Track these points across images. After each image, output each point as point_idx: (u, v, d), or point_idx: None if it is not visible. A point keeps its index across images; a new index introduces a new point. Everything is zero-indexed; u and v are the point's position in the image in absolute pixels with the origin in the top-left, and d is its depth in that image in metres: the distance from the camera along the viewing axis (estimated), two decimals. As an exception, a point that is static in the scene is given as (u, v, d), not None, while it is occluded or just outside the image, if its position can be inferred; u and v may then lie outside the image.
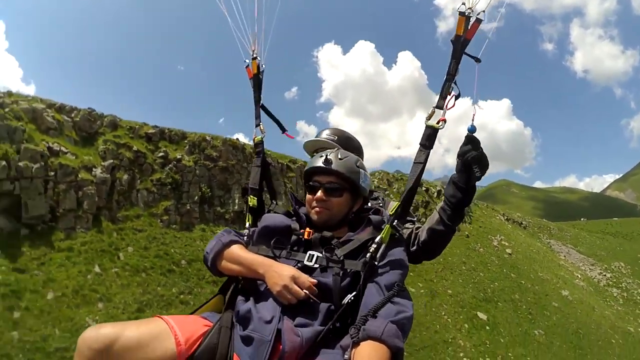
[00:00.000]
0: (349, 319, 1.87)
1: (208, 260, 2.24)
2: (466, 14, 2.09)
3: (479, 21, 2.08)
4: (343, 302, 1.89)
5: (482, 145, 2.01)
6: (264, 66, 2.82)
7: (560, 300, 30.46)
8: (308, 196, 2.30)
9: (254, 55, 2.80)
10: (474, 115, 2.04)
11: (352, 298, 1.89)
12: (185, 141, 22.39)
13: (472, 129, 2.02)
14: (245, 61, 2.83)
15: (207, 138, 22.87)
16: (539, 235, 53.20)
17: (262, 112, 2.80)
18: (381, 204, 2.65)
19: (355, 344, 1.66)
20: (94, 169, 17.56)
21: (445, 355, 18.05)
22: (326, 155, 2.27)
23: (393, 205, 2.29)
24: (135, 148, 19.92)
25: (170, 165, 21.04)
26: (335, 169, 2.22)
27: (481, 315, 23.30)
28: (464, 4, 2.07)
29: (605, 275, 47.68)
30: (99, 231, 16.61)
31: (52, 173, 16.31)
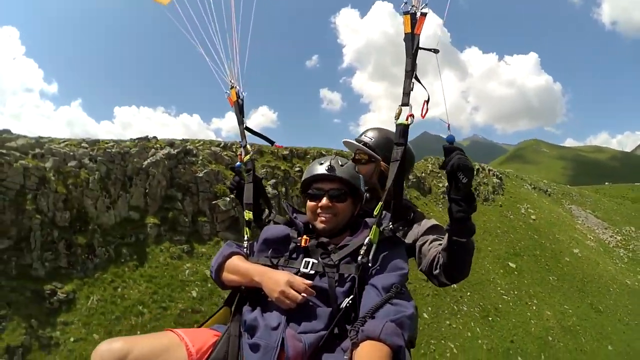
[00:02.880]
0: (350, 322, 1.87)
1: (213, 273, 2.30)
2: (410, 11, 2.14)
3: (424, 14, 2.13)
4: (341, 305, 1.92)
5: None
6: (244, 93, 3.00)
7: (571, 256, 38.72)
8: (310, 204, 2.28)
9: (232, 85, 2.98)
10: (448, 125, 2.02)
11: (350, 301, 1.92)
12: (308, 156, 28.72)
13: (450, 139, 2.00)
14: (226, 92, 3.02)
15: (323, 152, 29.69)
16: (562, 202, 58.37)
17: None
18: (412, 216, 2.38)
19: (355, 344, 1.67)
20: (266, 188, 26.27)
21: (490, 290, 27.34)
22: (329, 162, 2.28)
23: (377, 206, 2.13)
24: (282, 167, 26.53)
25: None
26: (339, 175, 2.23)
27: (511, 264, 32.47)
28: (405, 3, 2.13)
29: (615, 237, 52.66)
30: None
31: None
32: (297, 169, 27.49)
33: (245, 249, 2.39)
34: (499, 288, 28.61)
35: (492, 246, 33.15)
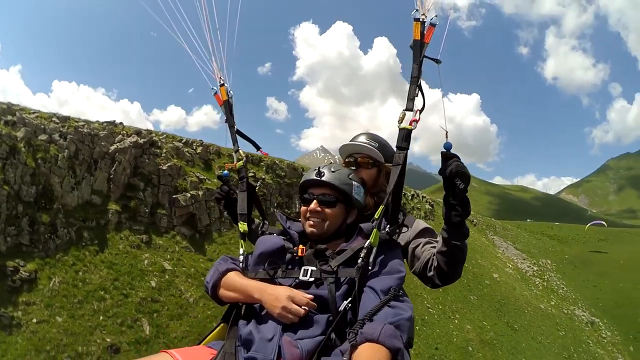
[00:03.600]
0: (348, 326, 1.86)
1: (208, 290, 2.25)
2: (420, 19, 2.15)
3: (433, 25, 2.14)
4: (340, 309, 1.89)
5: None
6: (231, 92, 2.79)
7: (491, 280, 41.97)
8: (302, 208, 2.31)
9: (221, 82, 2.78)
10: (447, 132, 2.05)
11: (349, 305, 1.90)
12: (262, 163, 29.96)
13: (448, 146, 2.03)
14: (212, 88, 2.80)
15: (277, 162, 31.16)
16: (485, 232, 62.97)
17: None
18: (403, 219, 2.26)
19: (354, 347, 1.66)
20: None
21: (417, 303, 29.25)
22: (319, 168, 2.31)
23: (378, 209, 2.12)
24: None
25: (259, 182, 28.23)
26: (327, 180, 2.24)
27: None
28: (417, 10, 2.15)
29: (532, 268, 57.54)
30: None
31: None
32: (251, 174, 28.57)
33: (241, 263, 2.33)
34: (425, 302, 30.73)
35: (421, 265, 35.66)
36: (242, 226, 2.54)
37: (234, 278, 2.18)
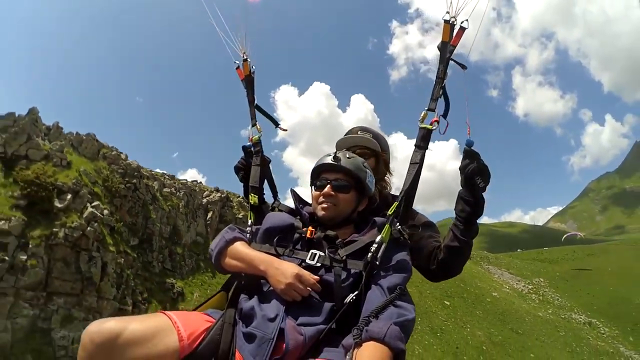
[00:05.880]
0: (351, 318, 1.84)
1: (212, 257, 2.23)
2: (450, 22, 2.16)
3: (462, 29, 2.15)
4: (345, 301, 1.87)
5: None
6: (254, 67, 2.79)
7: (491, 298, 47.87)
8: (315, 193, 2.27)
9: (245, 57, 2.77)
10: (469, 128, 2.03)
11: (354, 297, 1.87)
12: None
13: (469, 143, 2.01)
14: (235, 62, 2.79)
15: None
16: (480, 263, 67.82)
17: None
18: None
19: (358, 344, 1.64)
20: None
21: (433, 318, 36.04)
22: (335, 154, 2.27)
23: (392, 205, 2.13)
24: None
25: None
26: (344, 165, 2.21)
27: (446, 302, 41.59)
28: (448, 12, 2.15)
29: (527, 287, 61.46)
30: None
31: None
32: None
33: (247, 235, 2.30)
34: (440, 317, 37.35)
35: (430, 290, 42.06)
36: (253, 198, 2.53)
37: (240, 248, 2.16)
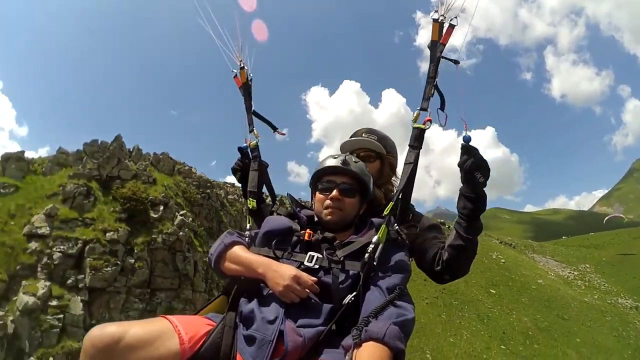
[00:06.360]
0: (350, 319, 1.84)
1: (212, 262, 2.23)
2: (439, 20, 2.16)
3: (452, 26, 2.15)
4: (343, 302, 1.88)
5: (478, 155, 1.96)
6: (251, 75, 2.81)
7: (537, 285, 48.41)
8: (320, 196, 2.25)
9: (242, 65, 2.81)
10: (465, 125, 1.99)
11: (352, 298, 1.87)
12: None
13: (467, 139, 2.00)
14: (232, 71, 2.82)
15: None
16: (525, 252, 68.09)
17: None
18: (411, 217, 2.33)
19: (357, 345, 1.64)
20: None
21: (480, 305, 38.28)
22: (344, 157, 2.27)
23: (388, 206, 2.14)
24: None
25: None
26: (353, 169, 2.21)
27: (492, 290, 43.27)
28: (436, 11, 2.16)
29: (573, 273, 61.12)
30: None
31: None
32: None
33: (246, 239, 2.32)
34: (486, 305, 39.37)
35: (476, 279, 43.95)
36: (252, 203, 2.55)
37: (239, 252, 2.16)
